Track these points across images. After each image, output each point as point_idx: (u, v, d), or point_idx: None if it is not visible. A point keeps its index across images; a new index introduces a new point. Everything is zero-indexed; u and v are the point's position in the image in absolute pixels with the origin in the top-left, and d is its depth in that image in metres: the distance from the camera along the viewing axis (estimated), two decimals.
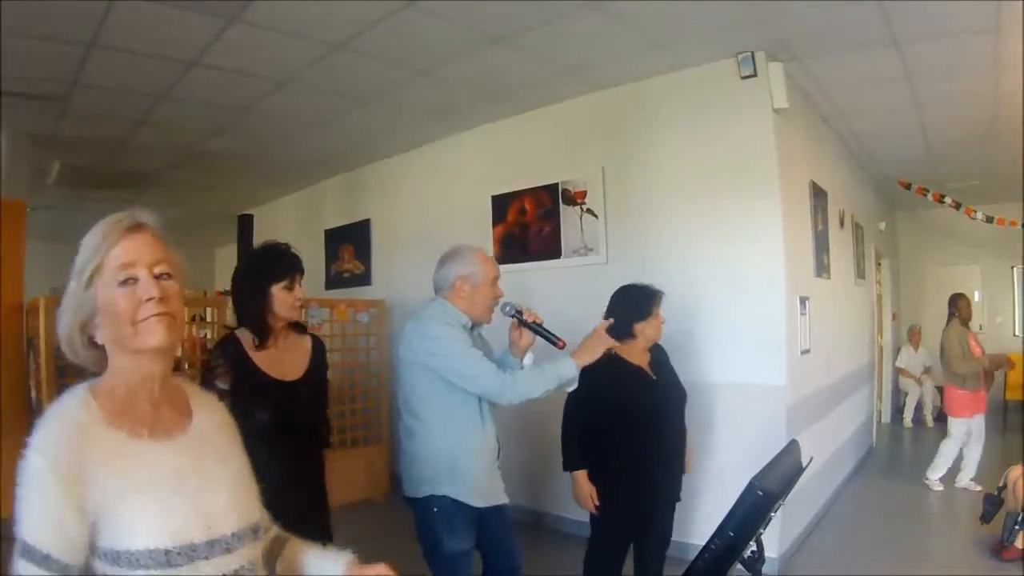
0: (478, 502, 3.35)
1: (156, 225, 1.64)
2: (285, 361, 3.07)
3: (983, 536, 5.78)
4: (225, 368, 2.80)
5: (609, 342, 3.44)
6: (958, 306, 7.84)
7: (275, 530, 1.87)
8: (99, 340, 1.55)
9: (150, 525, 1.42)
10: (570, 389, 3.50)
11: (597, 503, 3.99)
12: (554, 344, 3.33)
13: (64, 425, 1.44)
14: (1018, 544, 5.33)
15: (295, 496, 2.47)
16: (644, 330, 4.10)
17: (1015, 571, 5.26)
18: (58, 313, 1.55)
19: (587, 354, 3.36)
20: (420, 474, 3.38)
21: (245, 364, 2.92)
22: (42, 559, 1.34)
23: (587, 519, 5.72)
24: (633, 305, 4.14)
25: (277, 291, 2.98)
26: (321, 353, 3.33)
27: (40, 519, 1.35)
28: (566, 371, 3.31)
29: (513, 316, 3.42)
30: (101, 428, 1.46)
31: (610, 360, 4.00)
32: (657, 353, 4.28)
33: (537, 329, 3.39)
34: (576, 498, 4.07)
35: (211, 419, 1.73)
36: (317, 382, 3.29)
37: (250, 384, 2.83)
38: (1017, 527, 5.32)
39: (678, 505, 4.25)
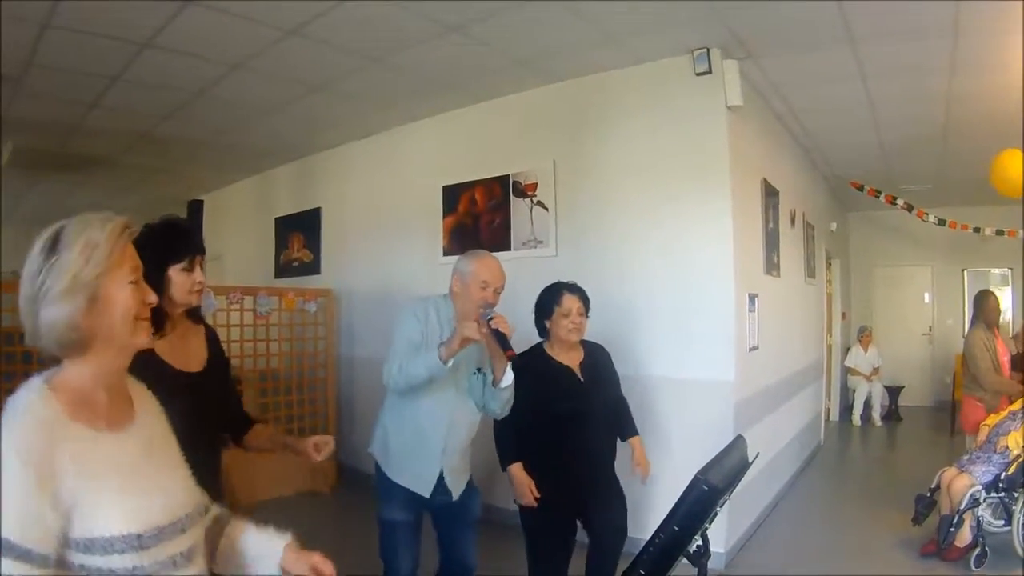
0: (398, 478, 3.57)
1: None
2: (185, 350, 2.77)
3: (926, 535, 5.79)
4: None
5: (467, 331, 3.30)
6: (982, 308, 6.81)
7: (215, 509, 1.97)
8: (89, 327, 1.59)
9: (123, 512, 1.52)
10: (440, 374, 3.39)
11: (537, 495, 3.94)
12: (503, 350, 3.36)
13: (32, 421, 1.48)
14: (958, 544, 5.37)
15: None
16: (552, 328, 4.09)
17: (954, 570, 5.31)
18: (49, 292, 1.56)
19: (447, 347, 3.30)
20: (373, 433, 3.75)
21: (142, 352, 2.53)
22: (24, 554, 1.39)
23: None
24: (540, 302, 4.18)
25: (175, 273, 2.61)
26: (218, 343, 3.03)
27: (20, 515, 1.39)
28: (430, 361, 3.31)
29: (486, 320, 3.42)
30: (64, 423, 1.51)
31: (534, 356, 4.08)
32: (594, 355, 4.26)
33: (498, 335, 3.38)
34: (515, 494, 4.02)
35: (149, 409, 1.82)
36: (222, 373, 3.01)
37: (152, 375, 2.16)
38: (952, 529, 5.35)
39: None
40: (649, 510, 4.85)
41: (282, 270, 9.66)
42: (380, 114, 7.39)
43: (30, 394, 1.55)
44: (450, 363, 3.30)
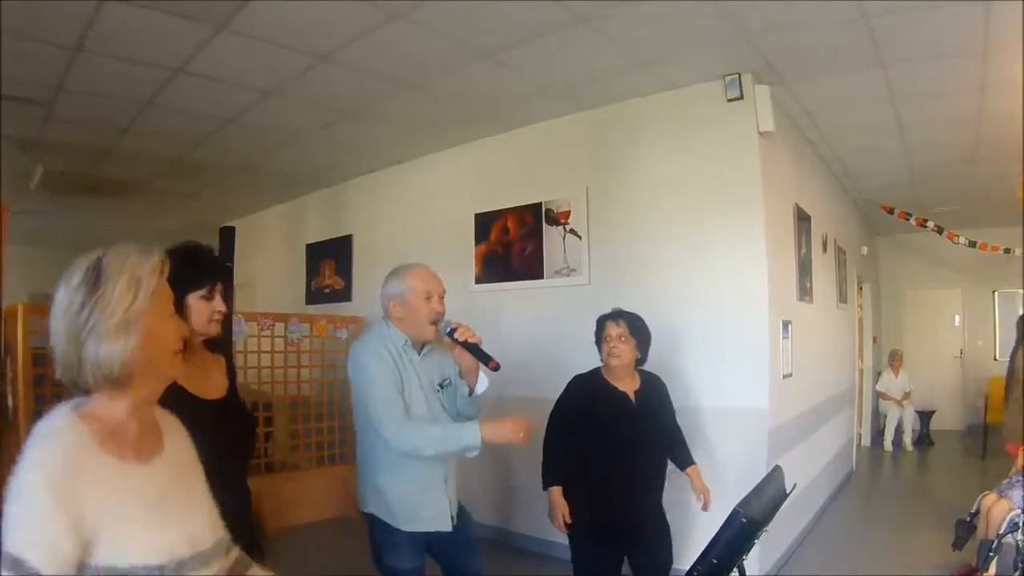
0: (405, 526, 3.31)
1: None
2: (206, 379, 2.67)
3: (958, 561, 5.77)
4: None
5: (519, 437, 3.07)
6: None
7: (236, 552, 1.92)
8: (131, 365, 1.59)
9: (146, 544, 1.52)
10: (471, 455, 3.24)
11: (568, 520, 4.01)
12: (486, 364, 3.22)
13: (58, 446, 1.49)
14: (991, 571, 5.32)
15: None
16: (603, 354, 4.19)
17: None
18: (101, 326, 1.55)
19: (496, 431, 3.09)
20: (360, 492, 3.45)
21: None
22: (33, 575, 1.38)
23: (549, 537, 5.72)
24: (596, 330, 4.29)
25: (194, 301, 2.54)
26: (235, 375, 2.93)
27: (34, 535, 1.40)
28: (469, 438, 3.10)
29: (448, 334, 3.31)
30: (92, 451, 1.52)
31: (591, 379, 4.18)
32: (650, 384, 4.33)
33: (468, 347, 3.27)
34: (548, 517, 4.11)
35: (177, 440, 1.81)
36: (241, 402, 2.92)
37: (172, 402, 2.07)
38: (991, 554, 5.31)
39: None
40: (685, 538, 4.83)
41: (313, 297, 9.70)
42: (412, 141, 7.44)
43: (58, 421, 1.55)
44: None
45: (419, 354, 3.42)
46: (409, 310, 3.35)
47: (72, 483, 1.45)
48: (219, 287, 2.63)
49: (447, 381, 3.52)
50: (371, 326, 3.50)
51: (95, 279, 1.57)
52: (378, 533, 3.36)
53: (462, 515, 3.59)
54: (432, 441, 3.16)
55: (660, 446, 4.25)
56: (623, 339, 4.11)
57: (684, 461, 4.39)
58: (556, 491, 4.06)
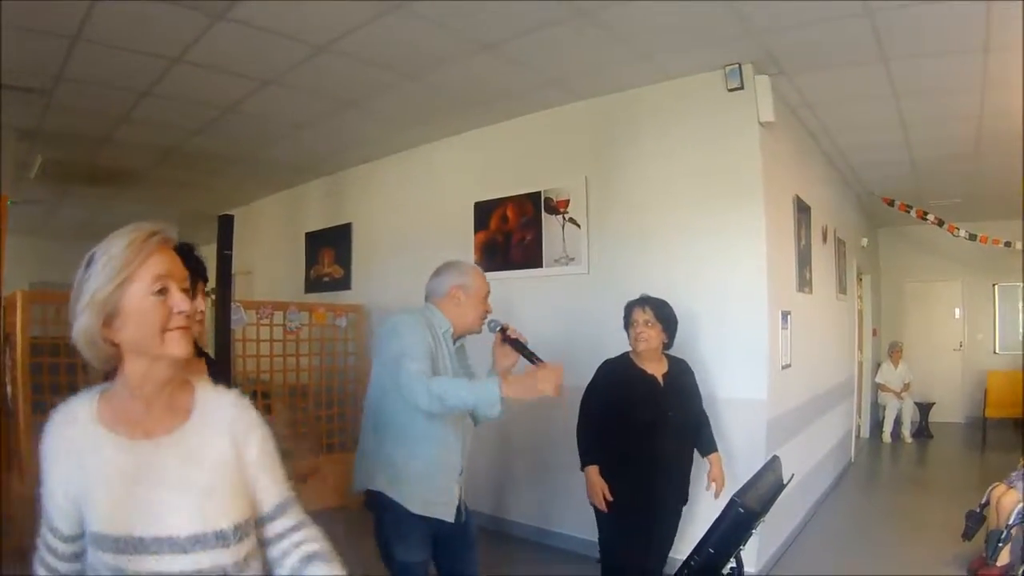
0: (417, 508, 3.24)
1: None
2: None
3: (961, 553, 5.77)
4: None
5: (550, 388, 2.91)
6: None
7: (306, 548, 1.97)
8: (115, 340, 1.63)
9: (104, 512, 1.58)
10: (492, 414, 3.11)
11: (610, 498, 4.11)
12: (532, 363, 3.17)
13: (61, 416, 1.67)
14: (999, 562, 5.34)
15: None
16: (631, 339, 4.29)
17: None
18: (75, 309, 1.62)
19: (519, 388, 2.95)
20: (365, 468, 3.40)
21: None
22: (48, 523, 1.67)
23: (549, 527, 5.71)
24: (624, 316, 4.39)
25: None
26: (215, 370, 2.78)
27: (45, 493, 1.65)
28: (489, 392, 2.95)
29: (497, 331, 3.40)
30: (89, 423, 1.64)
31: (619, 363, 4.30)
32: (678, 368, 4.45)
33: (519, 346, 3.34)
34: (588, 495, 4.22)
35: (211, 420, 1.76)
36: None
37: None
38: (1000, 544, 5.34)
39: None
40: (683, 527, 4.83)
41: (312, 285, 9.68)
42: (412, 130, 7.42)
43: (82, 394, 1.71)
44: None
45: (449, 344, 3.48)
46: (470, 303, 3.49)
47: (65, 450, 1.63)
48: (201, 286, 2.56)
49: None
50: (415, 308, 3.54)
51: (88, 263, 1.62)
52: (386, 520, 3.28)
53: (466, 513, 3.57)
54: (457, 392, 3.02)
55: (687, 428, 4.34)
56: (649, 324, 4.22)
57: (707, 448, 4.51)
58: (594, 470, 4.17)
